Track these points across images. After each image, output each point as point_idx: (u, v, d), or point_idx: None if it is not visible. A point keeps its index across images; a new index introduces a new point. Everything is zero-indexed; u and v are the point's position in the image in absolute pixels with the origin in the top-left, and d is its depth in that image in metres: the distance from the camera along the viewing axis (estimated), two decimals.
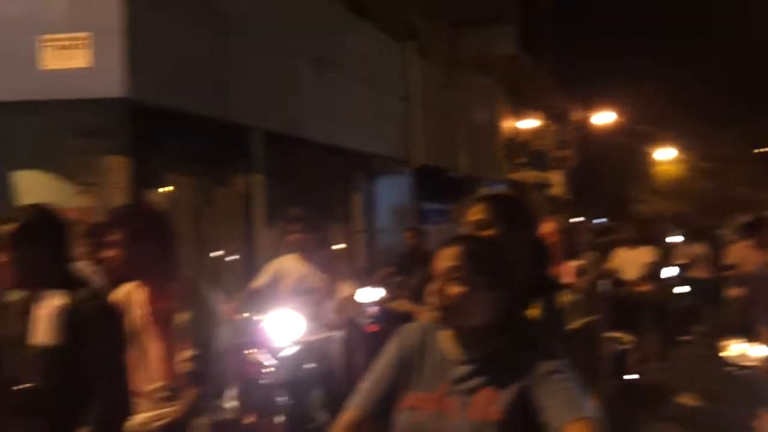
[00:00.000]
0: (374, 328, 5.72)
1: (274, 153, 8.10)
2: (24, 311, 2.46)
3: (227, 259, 7.54)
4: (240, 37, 7.33)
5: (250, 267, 7.09)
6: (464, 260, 1.87)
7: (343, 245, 9.92)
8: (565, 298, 2.54)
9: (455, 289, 1.85)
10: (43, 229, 2.49)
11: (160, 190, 6.48)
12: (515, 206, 2.70)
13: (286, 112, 8.34)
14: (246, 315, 4.81)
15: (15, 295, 2.57)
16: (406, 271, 6.98)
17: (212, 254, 7.32)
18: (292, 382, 4.66)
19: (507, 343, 1.89)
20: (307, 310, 4.83)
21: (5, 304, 2.61)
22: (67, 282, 2.49)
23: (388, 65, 11.79)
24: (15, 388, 2.34)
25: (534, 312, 2.44)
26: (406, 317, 6.12)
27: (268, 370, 4.57)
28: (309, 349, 4.76)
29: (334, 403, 4.56)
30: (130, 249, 2.72)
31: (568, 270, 4.07)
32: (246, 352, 4.64)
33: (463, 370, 1.88)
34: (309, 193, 8.70)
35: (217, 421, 2.77)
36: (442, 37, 14.83)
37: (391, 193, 12.12)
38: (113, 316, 2.58)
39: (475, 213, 2.58)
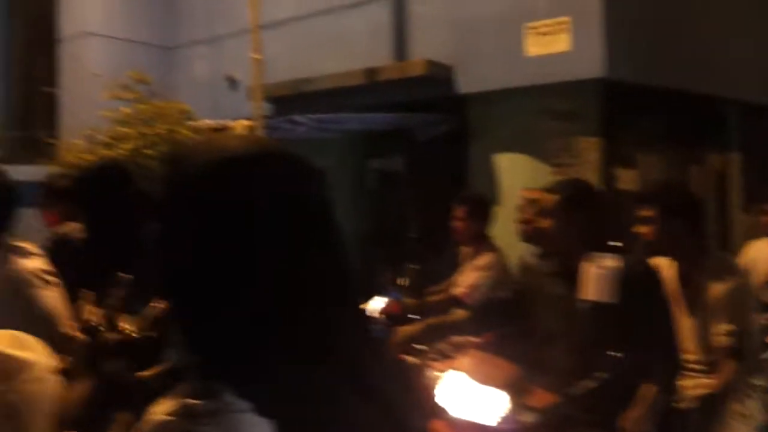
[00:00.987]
0: None
1: (753, 127, 7.33)
2: (564, 273, 2.66)
3: None
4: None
5: (724, 251, 6.55)
6: None
7: None
8: None
9: None
10: (582, 202, 2.69)
11: (631, 169, 6.36)
12: None
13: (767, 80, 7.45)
14: None
15: (550, 259, 2.80)
16: None
17: None
18: None
19: None
20: None
21: (543, 266, 2.86)
22: (600, 249, 2.62)
23: None
24: (607, 353, 2.48)
25: None
26: None
27: None
28: None
29: None
30: (663, 225, 2.82)
31: None
32: None
33: None
34: None
35: None
36: None
37: None
38: (660, 280, 2.67)
39: None
